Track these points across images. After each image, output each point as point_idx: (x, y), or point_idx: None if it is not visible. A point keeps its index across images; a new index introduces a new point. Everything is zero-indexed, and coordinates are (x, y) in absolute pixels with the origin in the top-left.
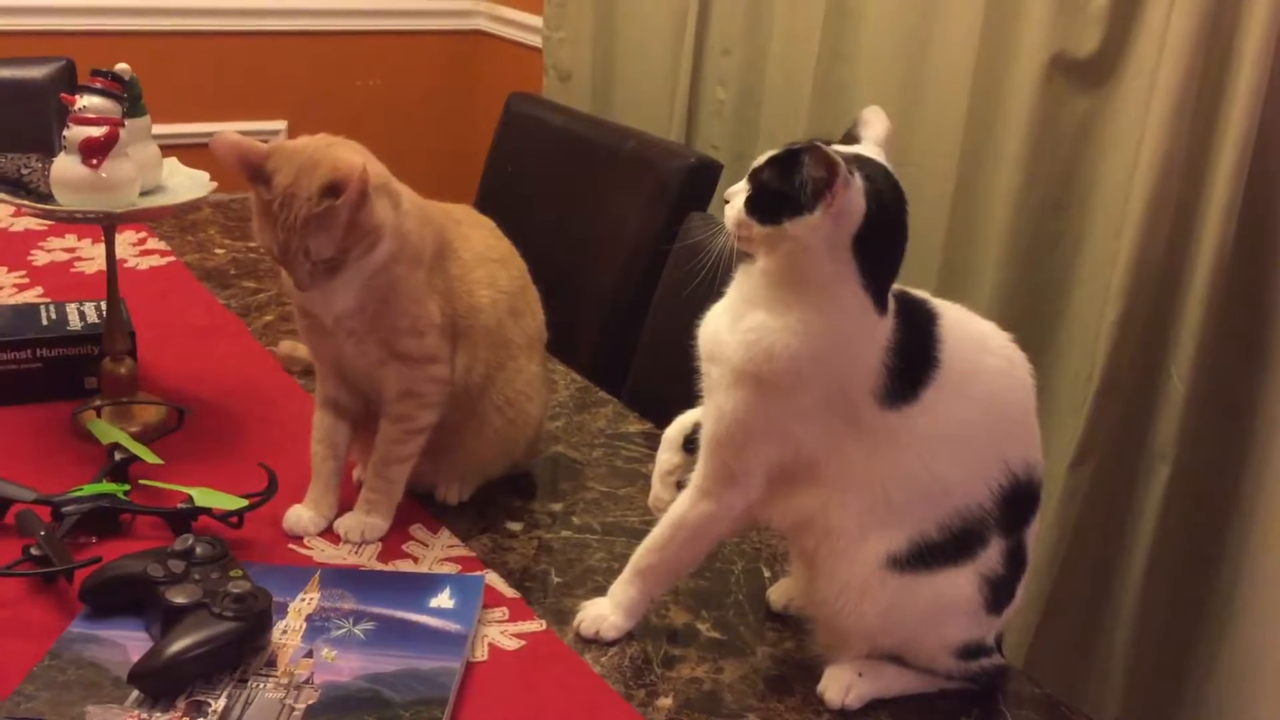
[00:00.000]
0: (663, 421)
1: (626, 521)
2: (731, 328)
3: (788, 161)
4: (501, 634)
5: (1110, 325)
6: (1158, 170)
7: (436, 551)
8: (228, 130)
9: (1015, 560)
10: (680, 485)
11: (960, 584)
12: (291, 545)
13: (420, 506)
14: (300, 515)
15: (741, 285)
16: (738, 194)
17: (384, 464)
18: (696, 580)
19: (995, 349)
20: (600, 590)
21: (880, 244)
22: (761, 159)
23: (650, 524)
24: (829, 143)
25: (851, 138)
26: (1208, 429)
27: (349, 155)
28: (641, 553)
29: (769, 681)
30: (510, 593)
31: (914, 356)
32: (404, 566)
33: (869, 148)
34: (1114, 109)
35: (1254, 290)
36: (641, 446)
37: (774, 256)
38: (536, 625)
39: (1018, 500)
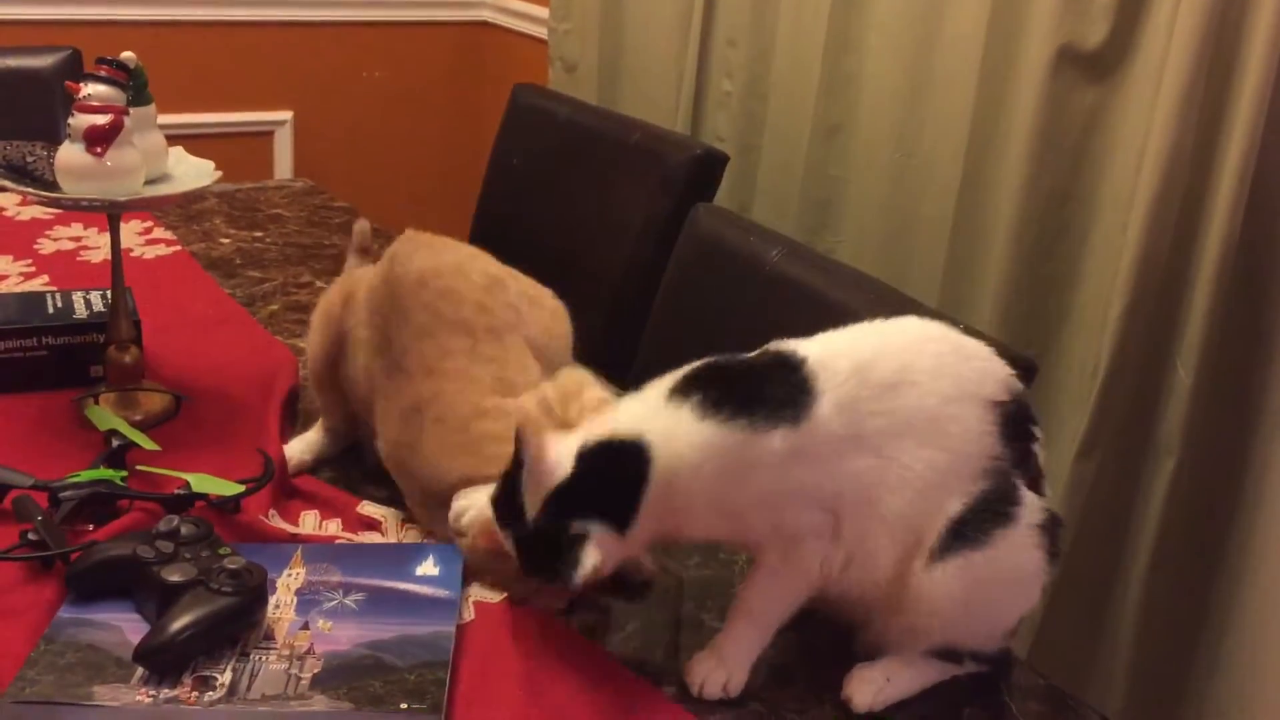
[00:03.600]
0: None
1: None
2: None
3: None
4: (482, 587)
5: (1116, 317)
6: (1164, 162)
7: (398, 518)
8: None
9: (1037, 484)
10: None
11: (1017, 549)
12: (260, 517)
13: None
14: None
15: None
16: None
17: None
18: (701, 570)
19: (897, 326)
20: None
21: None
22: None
23: None
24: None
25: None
26: (1213, 421)
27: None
28: (746, 600)
29: (772, 671)
30: None
31: (777, 386)
32: (372, 537)
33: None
34: (1121, 101)
35: (1260, 282)
36: None
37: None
38: None
39: (1014, 426)
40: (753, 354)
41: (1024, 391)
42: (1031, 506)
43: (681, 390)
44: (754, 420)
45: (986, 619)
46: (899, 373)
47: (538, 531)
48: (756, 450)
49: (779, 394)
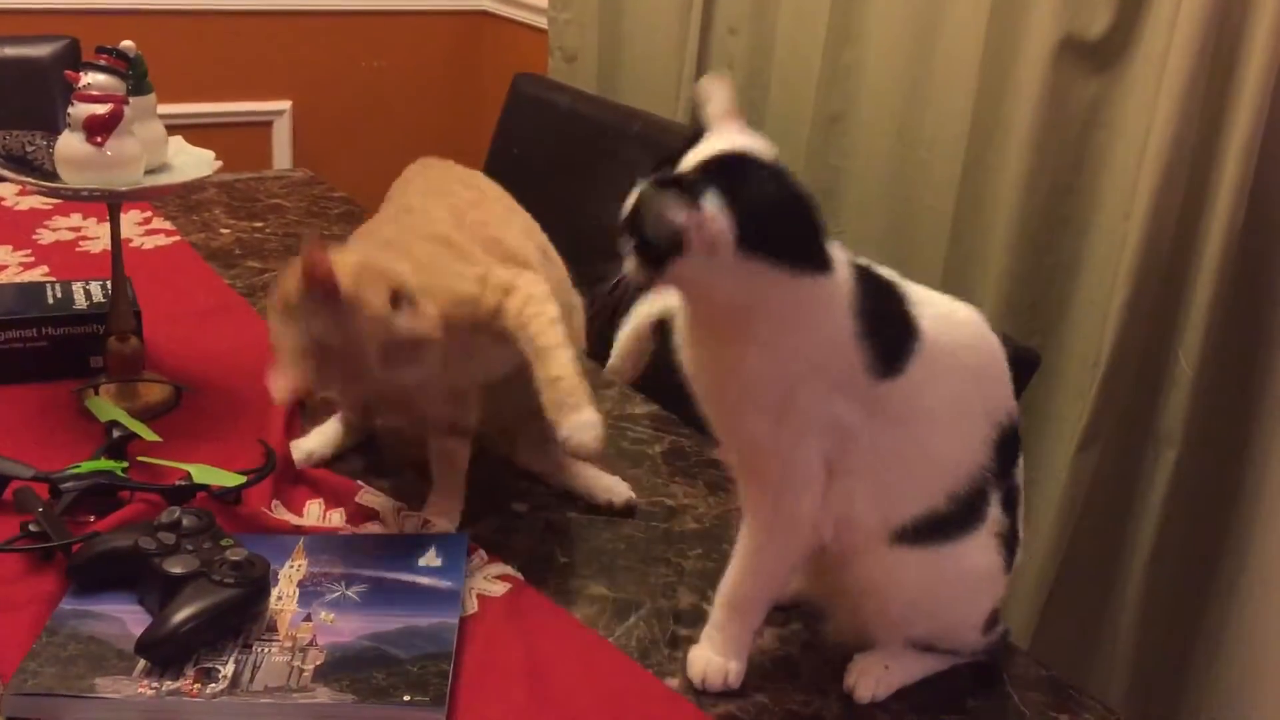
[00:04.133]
0: (667, 403)
1: (633, 502)
2: (702, 364)
3: (638, 207)
4: (485, 579)
5: (1118, 308)
6: (1167, 153)
7: (401, 509)
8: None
9: (1010, 503)
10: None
11: (981, 548)
12: (263, 509)
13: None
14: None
15: (688, 316)
16: (627, 244)
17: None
18: (704, 561)
19: (965, 320)
20: (607, 572)
21: (771, 234)
22: (627, 204)
23: (656, 508)
24: (676, 155)
25: (699, 126)
26: (1214, 412)
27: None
28: (730, 589)
29: (776, 662)
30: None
31: (892, 325)
32: (375, 528)
33: (720, 130)
34: (1123, 91)
35: (1261, 274)
36: (648, 428)
37: (682, 294)
38: (515, 571)
39: (1006, 446)
40: (902, 301)
41: (1019, 419)
42: (996, 518)
43: (857, 264)
44: (870, 340)
45: (947, 610)
46: (953, 368)
47: (666, 181)
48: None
49: (902, 348)
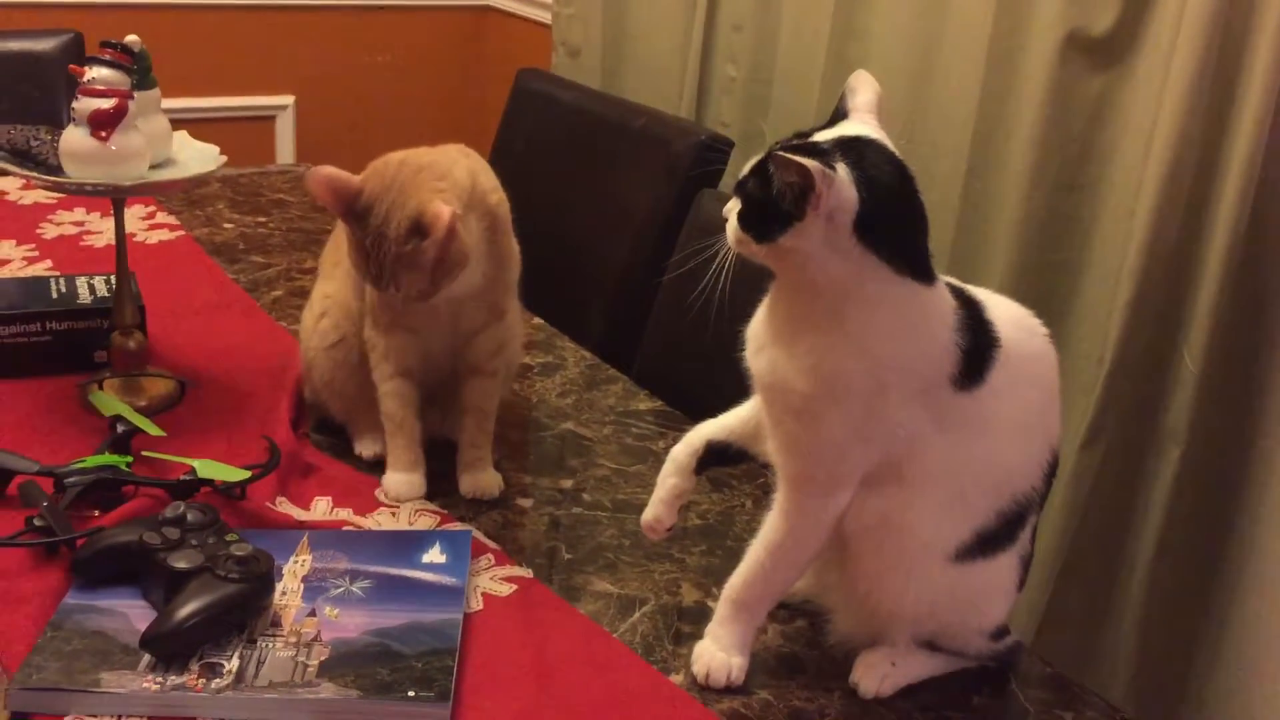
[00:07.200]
0: (672, 399)
1: (637, 499)
2: (789, 356)
3: (766, 169)
4: (492, 580)
5: (1123, 306)
6: (1172, 150)
7: (412, 503)
8: (322, 166)
9: (1034, 534)
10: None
11: (1006, 567)
12: (268, 504)
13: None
14: (404, 480)
15: (780, 304)
16: (732, 210)
17: (486, 418)
18: (708, 558)
19: (1035, 329)
20: (611, 568)
21: (888, 224)
22: (746, 168)
23: None
24: (810, 133)
25: (840, 112)
26: (1219, 410)
27: (438, 190)
28: (739, 586)
29: (780, 659)
30: (492, 544)
31: (976, 336)
32: (384, 520)
33: (858, 120)
34: (1129, 87)
35: (1268, 271)
36: (651, 424)
37: (783, 269)
38: (524, 571)
39: (1049, 474)
40: (982, 310)
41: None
42: (1024, 541)
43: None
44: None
45: (960, 618)
46: (1031, 383)
47: (799, 146)
48: (915, 355)
49: (978, 361)
